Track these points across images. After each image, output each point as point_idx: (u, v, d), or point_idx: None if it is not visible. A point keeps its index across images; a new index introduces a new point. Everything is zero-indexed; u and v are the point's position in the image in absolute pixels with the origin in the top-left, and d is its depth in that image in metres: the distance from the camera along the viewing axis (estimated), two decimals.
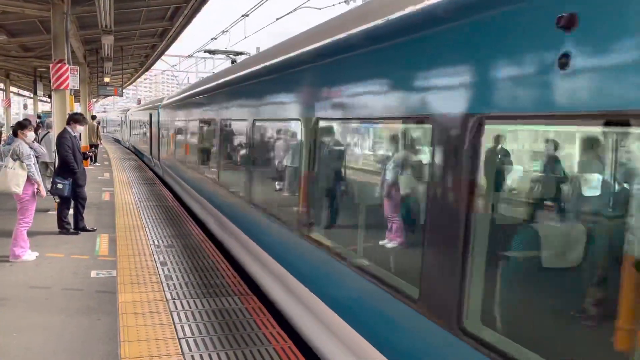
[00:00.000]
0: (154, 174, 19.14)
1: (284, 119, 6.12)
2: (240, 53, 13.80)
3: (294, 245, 5.15)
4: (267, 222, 6.13)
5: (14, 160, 6.98)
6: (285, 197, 6.09)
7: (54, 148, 9.83)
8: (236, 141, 8.48)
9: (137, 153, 27.77)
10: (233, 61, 13.66)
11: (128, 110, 36.96)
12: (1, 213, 9.91)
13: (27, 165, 7.05)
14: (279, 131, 6.59)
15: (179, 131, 14.05)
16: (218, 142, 9.26)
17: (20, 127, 7.46)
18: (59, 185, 8.45)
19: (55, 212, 9.18)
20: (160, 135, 17.95)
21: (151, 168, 21.02)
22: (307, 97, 5.13)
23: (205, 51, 15.81)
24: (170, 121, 15.64)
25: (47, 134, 11.53)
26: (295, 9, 15.55)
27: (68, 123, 9.00)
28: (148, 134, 21.84)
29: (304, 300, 4.93)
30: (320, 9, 17.26)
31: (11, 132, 19.68)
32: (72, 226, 8.92)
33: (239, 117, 7.95)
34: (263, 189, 6.86)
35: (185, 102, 12.82)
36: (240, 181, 7.55)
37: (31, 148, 7.36)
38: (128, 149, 34.01)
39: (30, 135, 7.65)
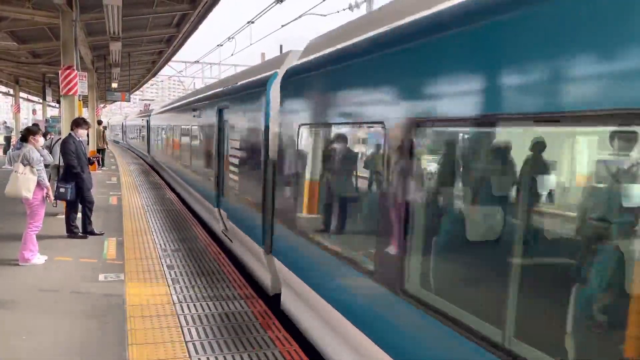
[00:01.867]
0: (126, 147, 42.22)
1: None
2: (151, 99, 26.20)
3: None
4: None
5: (24, 165, 7.09)
6: None
7: None
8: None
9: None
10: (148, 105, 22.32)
11: (110, 119, 63.94)
12: (11, 217, 10.03)
13: (37, 170, 7.15)
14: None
15: (130, 130, 38.53)
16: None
17: (31, 133, 7.57)
18: (62, 190, 8.55)
19: (63, 216, 9.29)
20: (124, 132, 44.87)
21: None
22: None
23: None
24: (130, 126, 39.15)
25: (59, 139, 11.67)
26: (300, 16, 15.65)
27: (71, 129, 9.10)
28: (119, 133, 49.33)
29: None
30: (325, 15, 17.39)
31: (19, 137, 19.94)
32: (81, 230, 9.02)
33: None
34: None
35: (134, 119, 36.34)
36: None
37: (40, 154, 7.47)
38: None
39: (41, 140, 7.76)
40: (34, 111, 47.46)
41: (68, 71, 11.38)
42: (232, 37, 22.23)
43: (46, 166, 8.21)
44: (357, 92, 4.34)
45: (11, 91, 33.28)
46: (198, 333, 5.11)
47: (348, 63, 4.53)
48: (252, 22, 17.73)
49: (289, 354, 4.73)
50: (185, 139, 13.76)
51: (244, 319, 5.53)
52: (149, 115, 25.57)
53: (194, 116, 12.21)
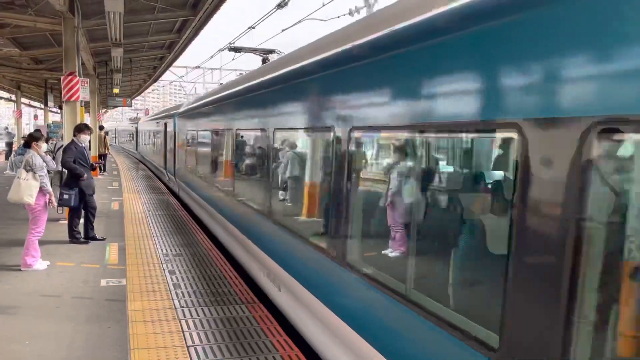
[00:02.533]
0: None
1: None
2: (271, 51, 11.41)
3: None
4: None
5: (27, 171, 7.13)
6: None
7: None
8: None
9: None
10: (264, 60, 10.82)
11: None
12: (13, 223, 10.07)
13: (39, 176, 7.19)
14: None
15: (122, 135, 54.09)
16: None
17: (33, 139, 7.61)
18: (65, 196, 8.59)
19: (65, 222, 9.33)
20: (116, 136, 58.46)
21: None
22: None
23: (231, 49, 12.39)
24: (121, 130, 55.09)
25: (62, 145, 11.74)
26: (300, 21, 15.75)
27: (74, 134, 9.15)
28: (113, 136, 55.70)
29: None
30: (325, 20, 17.48)
31: (22, 143, 19.99)
32: (83, 235, 9.05)
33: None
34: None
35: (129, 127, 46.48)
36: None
37: (43, 160, 7.51)
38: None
39: (44, 146, 7.80)
40: (35, 117, 47.63)
41: (70, 77, 11.44)
42: (233, 42, 22.32)
43: (49, 172, 8.25)
44: (191, 123, 13.16)
45: (13, 97, 33.40)
46: (200, 338, 5.13)
47: (189, 113, 13.52)
48: (253, 27, 17.82)
49: (290, 359, 4.75)
50: (154, 139, 23.99)
51: (246, 323, 5.56)
52: (137, 123, 37.84)
53: (157, 126, 22.33)
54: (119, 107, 40.31)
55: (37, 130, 9.31)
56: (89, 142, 9.81)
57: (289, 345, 5.05)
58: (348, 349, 4.18)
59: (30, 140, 7.61)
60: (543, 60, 2.36)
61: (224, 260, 8.19)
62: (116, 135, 59.68)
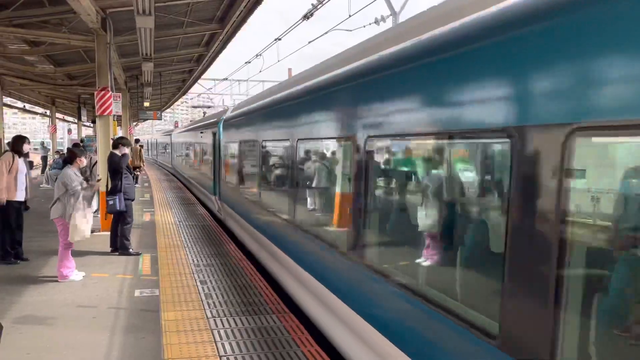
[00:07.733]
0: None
1: None
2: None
3: None
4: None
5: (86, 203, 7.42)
6: None
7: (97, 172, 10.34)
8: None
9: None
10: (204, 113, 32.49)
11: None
12: (50, 234, 10.32)
13: (76, 189, 7.36)
14: None
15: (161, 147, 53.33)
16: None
17: (77, 155, 7.71)
18: (110, 202, 9.05)
19: (99, 233, 9.51)
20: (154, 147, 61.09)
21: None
22: None
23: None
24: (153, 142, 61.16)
25: (96, 161, 12.02)
26: (327, 32, 15.84)
27: (116, 147, 9.36)
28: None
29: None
30: (351, 30, 17.56)
31: (57, 157, 20.53)
32: (110, 245, 9.27)
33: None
34: None
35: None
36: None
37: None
38: None
39: (84, 162, 8.02)
40: (69, 131, 48.95)
41: (103, 92, 11.72)
42: (260, 54, 22.59)
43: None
44: (177, 138, 31.35)
45: (48, 112, 34.43)
46: (232, 348, 5.16)
47: (177, 133, 32.43)
48: (279, 39, 18.01)
49: None
50: (164, 148, 39.57)
51: (277, 333, 5.56)
52: (151, 136, 55.12)
53: (163, 140, 40.08)
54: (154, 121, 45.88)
55: (76, 145, 9.50)
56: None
57: (321, 356, 5.03)
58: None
59: (74, 157, 7.68)
60: None
61: (254, 270, 8.24)
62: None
